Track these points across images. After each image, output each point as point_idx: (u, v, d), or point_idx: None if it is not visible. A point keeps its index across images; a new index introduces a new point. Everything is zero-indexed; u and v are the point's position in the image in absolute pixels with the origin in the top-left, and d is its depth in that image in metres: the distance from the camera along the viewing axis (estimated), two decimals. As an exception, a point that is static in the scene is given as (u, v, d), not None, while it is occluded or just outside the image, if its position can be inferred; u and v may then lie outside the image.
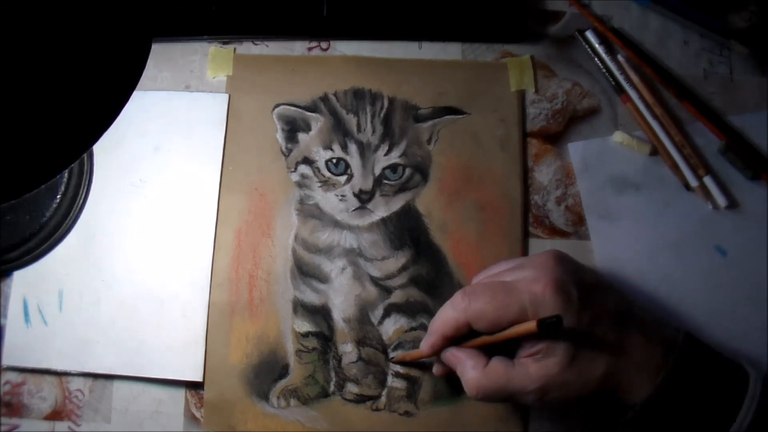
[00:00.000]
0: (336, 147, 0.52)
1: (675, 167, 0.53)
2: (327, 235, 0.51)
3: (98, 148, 0.50)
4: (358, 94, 0.54)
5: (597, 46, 0.55)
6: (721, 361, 0.43)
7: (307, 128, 0.53)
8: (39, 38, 0.31)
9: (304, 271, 0.51)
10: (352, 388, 0.49)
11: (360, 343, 0.50)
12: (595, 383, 0.41)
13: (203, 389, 0.49)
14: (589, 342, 0.41)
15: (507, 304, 0.41)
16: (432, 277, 0.50)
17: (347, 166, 0.52)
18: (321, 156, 0.53)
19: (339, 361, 0.49)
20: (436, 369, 0.47)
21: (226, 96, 0.54)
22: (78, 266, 0.51)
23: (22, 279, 0.51)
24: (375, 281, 0.51)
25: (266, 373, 0.49)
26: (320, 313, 0.50)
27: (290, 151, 0.53)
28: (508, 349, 0.43)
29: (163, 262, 0.51)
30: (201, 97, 0.54)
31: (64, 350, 0.49)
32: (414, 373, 0.49)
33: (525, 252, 0.51)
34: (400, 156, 0.52)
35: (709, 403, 0.41)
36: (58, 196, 0.51)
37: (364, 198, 0.52)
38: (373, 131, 0.53)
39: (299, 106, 0.54)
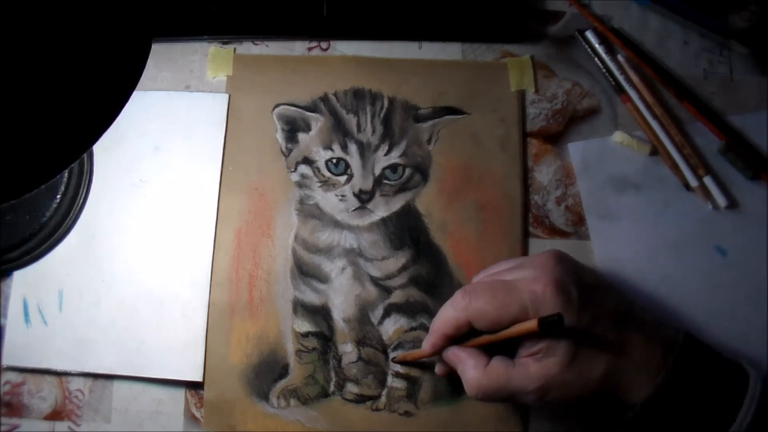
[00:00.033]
0: (336, 147, 0.52)
1: (675, 167, 0.53)
2: (327, 235, 0.51)
3: (98, 148, 0.50)
4: (358, 94, 0.54)
5: (597, 46, 0.55)
6: (721, 361, 0.43)
7: (307, 128, 0.53)
8: (39, 38, 0.31)
9: (304, 271, 0.51)
10: (352, 388, 0.49)
11: (360, 343, 0.50)
12: (595, 383, 0.41)
13: (203, 389, 0.49)
14: (589, 342, 0.41)
15: (507, 303, 0.41)
16: (432, 277, 0.50)
17: (347, 166, 0.52)
18: (321, 156, 0.53)
19: (339, 361, 0.49)
20: (438, 368, 0.47)
21: (226, 96, 0.54)
22: (78, 266, 0.51)
23: (22, 279, 0.51)
24: (375, 281, 0.50)
25: (266, 373, 0.49)
26: (320, 313, 0.50)
27: (290, 151, 0.53)
28: (509, 348, 0.43)
29: (163, 262, 0.51)
30: (201, 97, 0.54)
31: (64, 350, 0.49)
32: (414, 373, 0.49)
33: (525, 252, 0.51)
34: (400, 156, 0.52)
35: (709, 403, 0.41)
36: (58, 196, 0.51)
37: (364, 198, 0.52)
38: (373, 131, 0.53)
39: (299, 106, 0.54)
